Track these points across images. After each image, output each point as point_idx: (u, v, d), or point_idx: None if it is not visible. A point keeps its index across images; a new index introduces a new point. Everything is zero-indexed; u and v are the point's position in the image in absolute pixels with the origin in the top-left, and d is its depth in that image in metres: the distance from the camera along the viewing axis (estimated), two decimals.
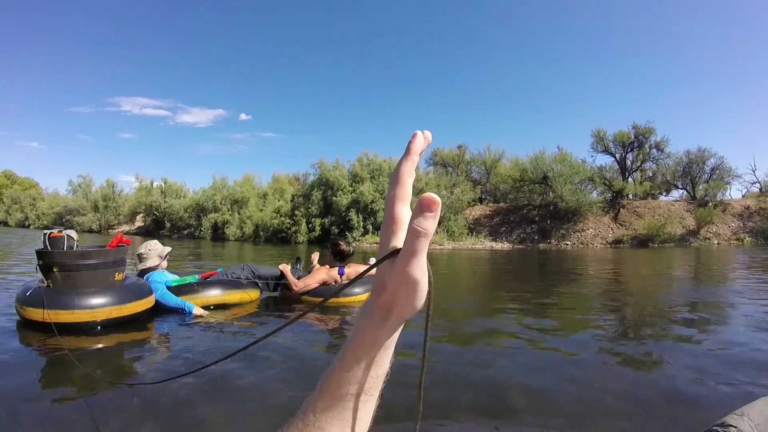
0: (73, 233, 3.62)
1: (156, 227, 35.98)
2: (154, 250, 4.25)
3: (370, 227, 24.25)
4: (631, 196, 26.78)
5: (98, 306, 3.27)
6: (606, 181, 25.64)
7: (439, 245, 20.53)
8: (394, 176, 0.39)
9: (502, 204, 27.09)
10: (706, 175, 26.90)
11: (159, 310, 3.81)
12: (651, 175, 27.88)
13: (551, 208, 23.96)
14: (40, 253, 3.41)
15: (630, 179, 27.33)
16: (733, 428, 1.13)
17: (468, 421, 1.92)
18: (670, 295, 5.80)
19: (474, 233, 23.66)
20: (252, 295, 4.46)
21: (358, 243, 22.10)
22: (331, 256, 4.53)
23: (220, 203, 32.75)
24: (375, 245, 20.56)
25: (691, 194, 26.85)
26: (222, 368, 2.39)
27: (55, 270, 3.31)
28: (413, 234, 0.35)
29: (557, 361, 2.83)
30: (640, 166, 27.27)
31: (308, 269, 4.72)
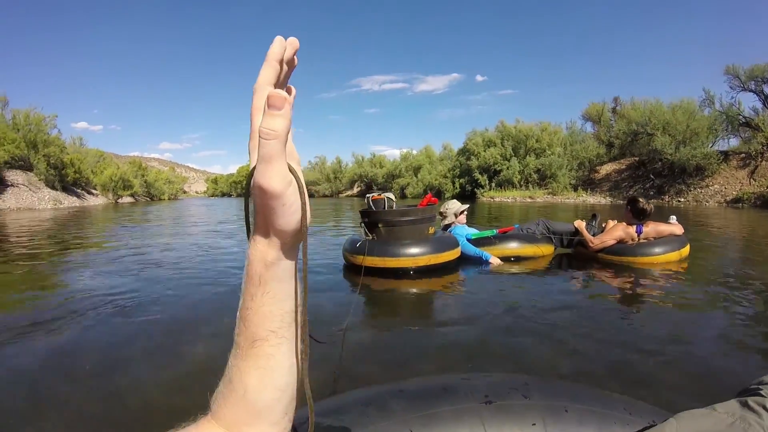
0: (391, 195, 4.22)
1: (368, 191, 48.10)
2: (451, 209, 4.85)
3: (493, 185, 29.85)
4: None
5: (418, 254, 3.84)
6: (752, 123, 23.11)
7: (530, 198, 24.90)
8: (254, 86, 0.39)
9: (634, 158, 27.77)
10: None
11: (461, 259, 4.27)
12: None
13: (668, 162, 23.92)
14: (365, 213, 4.10)
15: None
16: None
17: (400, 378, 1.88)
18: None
19: (577, 188, 26.32)
20: (545, 250, 4.64)
21: (482, 198, 27.79)
22: (630, 213, 4.41)
23: (405, 170, 42.79)
24: (490, 199, 26.22)
25: None
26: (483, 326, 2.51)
27: (380, 226, 3.96)
28: (261, 137, 0.35)
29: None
30: None
31: (602, 227, 4.65)
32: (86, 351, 2.25)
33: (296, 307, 0.42)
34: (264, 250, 0.39)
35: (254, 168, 0.37)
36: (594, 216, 4.82)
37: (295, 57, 0.41)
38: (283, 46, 0.39)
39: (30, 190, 27.32)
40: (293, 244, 0.40)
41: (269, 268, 0.39)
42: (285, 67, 0.40)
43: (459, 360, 2.04)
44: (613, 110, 32.70)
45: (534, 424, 0.70)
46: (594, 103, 33.50)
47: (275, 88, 0.39)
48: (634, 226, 4.36)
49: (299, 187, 0.38)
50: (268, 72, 0.38)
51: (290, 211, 0.38)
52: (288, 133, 0.36)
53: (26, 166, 28.78)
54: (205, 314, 2.86)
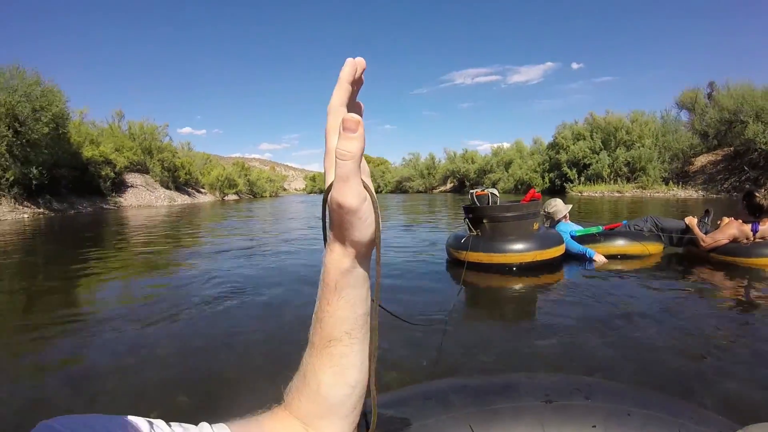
0: (495, 191, 4.23)
1: (460, 186, 49.93)
2: (556, 211, 4.77)
3: (582, 179, 30.96)
4: None
5: (523, 250, 3.83)
6: None
7: (618, 192, 25.90)
8: (328, 107, 0.42)
9: (730, 149, 26.52)
10: None
11: (565, 256, 4.20)
12: None
13: (763, 152, 22.02)
14: (470, 209, 4.11)
15: None
16: None
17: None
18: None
19: (668, 182, 26.07)
20: (652, 248, 4.45)
21: (571, 193, 28.80)
22: (745, 209, 4.06)
23: (496, 165, 44.84)
24: (579, 194, 27.67)
25: None
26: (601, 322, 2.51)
27: (485, 221, 3.95)
28: (338, 158, 0.37)
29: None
30: None
31: (716, 224, 4.25)
32: (196, 335, 2.52)
33: (369, 310, 0.46)
34: (339, 259, 0.42)
35: (331, 185, 0.40)
36: (707, 212, 4.54)
37: (362, 76, 0.44)
38: (354, 68, 0.42)
39: (148, 189, 31.22)
40: (366, 253, 0.44)
41: (345, 275, 0.43)
42: (354, 87, 0.44)
43: (553, 362, 2.04)
44: (709, 96, 31.39)
45: (594, 426, 0.68)
46: (688, 89, 31.18)
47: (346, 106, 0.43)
48: (750, 224, 3.98)
49: (373, 203, 0.41)
50: (341, 93, 0.42)
51: (366, 224, 0.40)
52: (362, 153, 0.39)
53: (143, 170, 32.85)
54: (303, 309, 2.91)
